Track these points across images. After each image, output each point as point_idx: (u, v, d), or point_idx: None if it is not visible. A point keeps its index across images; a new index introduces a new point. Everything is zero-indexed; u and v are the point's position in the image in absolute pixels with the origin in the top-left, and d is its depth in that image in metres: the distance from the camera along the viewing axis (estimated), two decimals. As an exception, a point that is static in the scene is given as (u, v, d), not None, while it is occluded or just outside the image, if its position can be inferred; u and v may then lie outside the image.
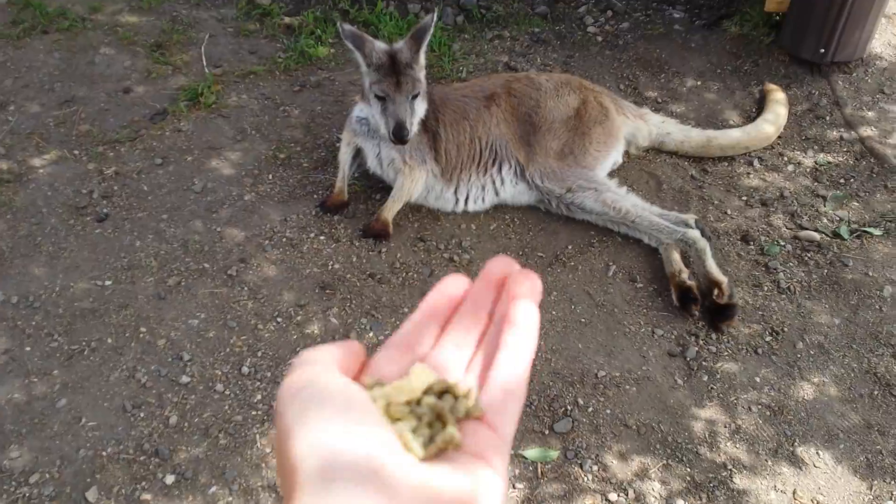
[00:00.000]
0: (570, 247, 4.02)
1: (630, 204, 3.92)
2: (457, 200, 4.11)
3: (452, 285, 0.70)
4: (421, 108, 3.78)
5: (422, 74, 3.76)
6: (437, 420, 0.56)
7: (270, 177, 4.41)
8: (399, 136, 3.60)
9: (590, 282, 3.81)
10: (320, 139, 4.70)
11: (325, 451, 0.48)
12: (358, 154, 4.18)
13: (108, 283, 3.77)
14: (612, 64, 5.41)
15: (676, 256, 3.77)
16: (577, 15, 5.90)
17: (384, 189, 4.30)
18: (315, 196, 4.30)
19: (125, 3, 5.78)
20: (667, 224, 3.85)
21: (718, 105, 5.05)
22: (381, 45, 3.69)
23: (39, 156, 4.53)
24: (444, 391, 0.59)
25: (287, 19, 5.72)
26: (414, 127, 3.72)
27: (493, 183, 4.11)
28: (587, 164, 4.07)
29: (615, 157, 4.30)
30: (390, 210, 3.99)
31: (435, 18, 3.66)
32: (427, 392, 0.59)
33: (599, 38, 5.63)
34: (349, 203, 4.21)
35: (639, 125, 4.43)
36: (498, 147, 4.07)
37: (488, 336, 0.66)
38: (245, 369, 3.34)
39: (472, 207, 4.15)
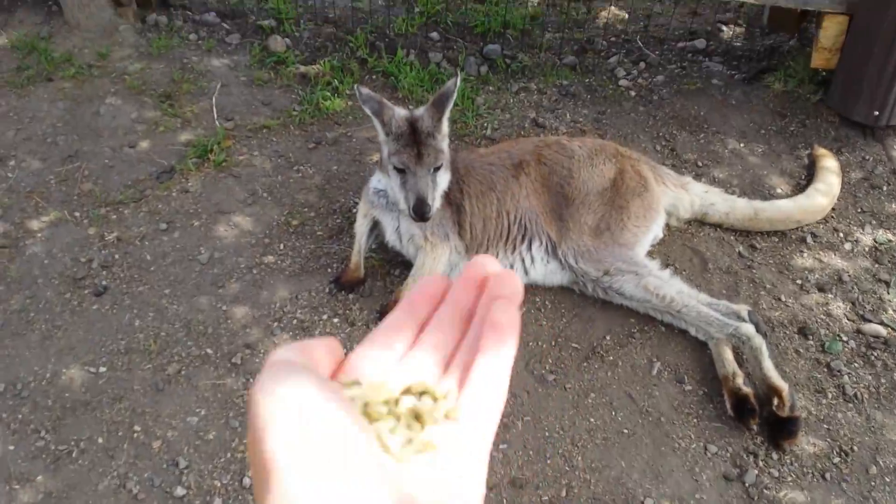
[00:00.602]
0: (608, 337, 3.70)
1: (675, 291, 3.60)
2: (481, 280, 3.81)
3: (433, 285, 0.69)
4: (444, 180, 3.50)
5: (445, 144, 3.49)
6: (416, 421, 0.56)
7: (282, 246, 4.14)
8: (420, 213, 3.32)
9: (632, 381, 3.49)
10: (336, 204, 4.43)
11: (299, 448, 0.48)
12: (375, 226, 3.90)
13: (102, 369, 3.50)
14: (647, 121, 5.12)
15: (729, 355, 3.44)
16: (608, 66, 5.63)
17: (403, 264, 4.02)
18: (329, 270, 4.02)
19: (134, 49, 5.58)
20: (717, 316, 3.53)
21: (764, 170, 4.74)
22: (400, 113, 3.42)
23: (38, 218, 4.29)
24: (423, 392, 0.58)
25: (302, 68, 5.49)
26: (436, 202, 3.44)
27: (523, 262, 3.82)
28: (625, 242, 3.77)
29: (655, 231, 4.00)
30: (410, 287, 3.69)
31: (458, 82, 3.38)
32: (405, 393, 0.58)
33: (632, 93, 5.36)
34: (365, 280, 3.93)
35: (680, 195, 4.13)
36: (527, 221, 3.78)
37: (468, 337, 0.65)
38: (247, 480, 3.04)
39: (498, 287, 3.83)
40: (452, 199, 3.71)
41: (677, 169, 4.74)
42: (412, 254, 3.80)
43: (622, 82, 5.44)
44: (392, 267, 4.07)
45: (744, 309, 3.62)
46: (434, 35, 5.86)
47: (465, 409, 0.58)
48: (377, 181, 3.71)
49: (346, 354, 0.64)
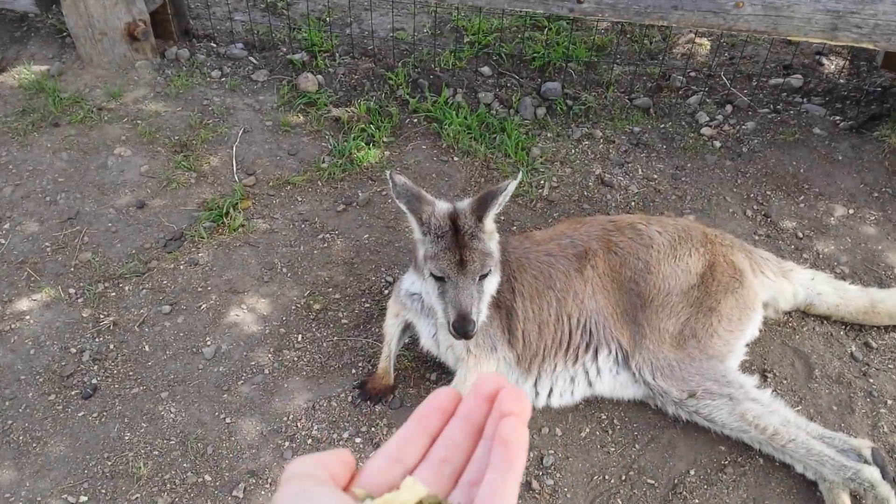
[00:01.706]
0: (692, 472, 3.07)
1: (779, 421, 2.96)
2: (537, 395, 3.23)
3: (444, 399, 0.72)
4: (492, 286, 2.93)
5: (494, 244, 2.91)
6: None
7: (300, 338, 3.62)
8: (463, 331, 2.75)
9: (722, 541, 2.86)
10: (364, 283, 3.89)
11: None
12: (408, 328, 3.34)
13: (83, 498, 3.04)
14: (735, 179, 4.45)
15: (847, 504, 2.78)
16: (687, 109, 4.95)
17: (441, 367, 3.45)
18: (353, 371, 3.47)
19: (150, 89, 5.15)
20: (831, 455, 2.87)
21: (879, 245, 4.03)
22: (442, 208, 2.86)
23: (29, 295, 3.87)
24: None
25: (335, 111, 4.98)
26: (482, 316, 2.87)
27: (587, 374, 3.21)
28: (716, 353, 3.13)
29: (751, 333, 3.35)
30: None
31: (516, 182, 2.80)
32: None
33: (717, 143, 4.68)
34: (395, 388, 3.38)
35: (782, 286, 3.47)
36: (593, 326, 3.18)
37: (478, 452, 0.69)
38: None
39: (556, 402, 3.26)
40: (502, 302, 3.13)
41: (772, 241, 4.07)
42: (451, 363, 3.24)
43: (705, 130, 4.76)
44: (427, 369, 3.51)
45: (866, 446, 2.95)
46: (485, 70, 5.28)
47: None
48: (410, 283, 3.15)
49: (357, 466, 0.69)
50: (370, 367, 3.49)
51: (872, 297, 3.59)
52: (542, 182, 4.48)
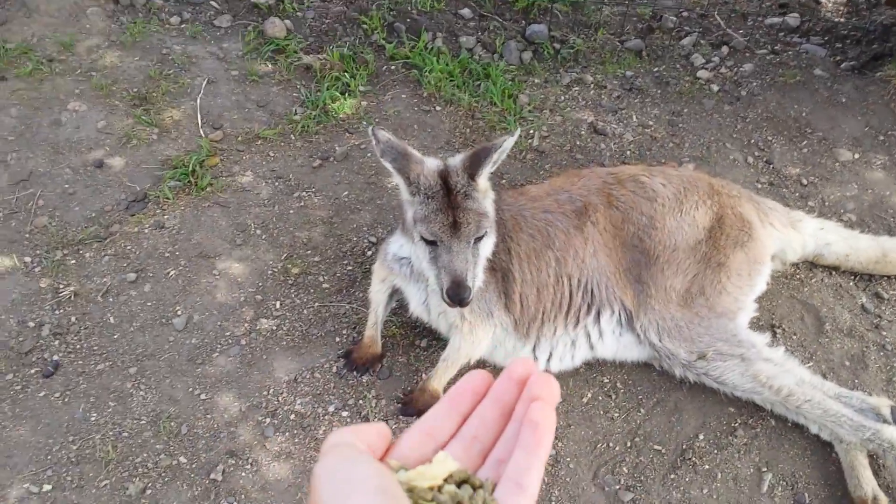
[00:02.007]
0: (701, 436, 2.90)
1: (794, 381, 2.79)
2: (535, 360, 3.02)
3: (477, 380, 0.77)
4: (487, 248, 2.68)
5: (489, 203, 2.65)
6: None
7: (278, 305, 3.36)
8: (458, 298, 2.52)
9: (735, 501, 2.74)
10: (345, 244, 3.63)
11: None
12: (395, 293, 3.10)
13: (47, 487, 2.79)
14: (735, 125, 4.21)
15: (866, 470, 2.67)
16: (682, 51, 4.69)
17: (432, 335, 3.22)
18: (337, 339, 3.24)
19: (104, 38, 4.75)
20: (849, 415, 2.72)
21: (887, 190, 3.84)
22: (431, 166, 2.60)
23: (-21, 265, 3.54)
24: (464, 481, 0.67)
25: (306, 58, 4.63)
26: (478, 281, 2.63)
27: (588, 337, 3.00)
28: (725, 311, 2.94)
29: (760, 288, 3.15)
30: (441, 378, 2.93)
31: (513, 140, 2.54)
32: (448, 480, 0.67)
33: (714, 87, 4.43)
34: (383, 356, 3.15)
35: (790, 237, 3.27)
36: (595, 287, 2.96)
37: (507, 431, 0.73)
38: None
39: (556, 367, 3.06)
40: (497, 264, 2.89)
41: (776, 189, 3.87)
42: (444, 330, 3.01)
43: (701, 73, 4.51)
44: (417, 336, 3.28)
45: (885, 405, 2.80)
46: (466, 12, 4.95)
47: (501, 502, 0.67)
48: (398, 247, 2.90)
49: (394, 438, 0.75)
50: (355, 335, 3.25)
51: (883, 246, 3.41)
52: (531, 132, 4.21)
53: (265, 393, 3.05)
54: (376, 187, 3.93)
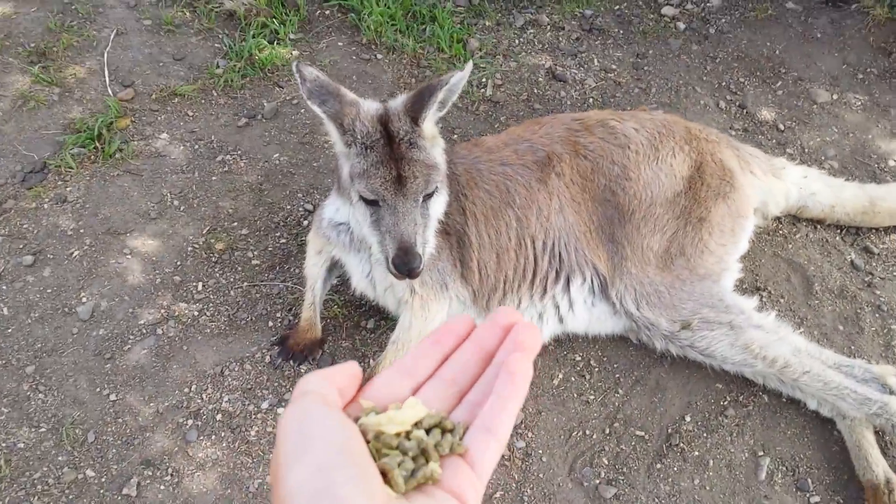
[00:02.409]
0: (688, 417, 2.56)
1: (789, 351, 2.46)
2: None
3: (460, 324, 0.78)
4: (439, 208, 2.27)
5: (439, 153, 2.22)
6: (422, 455, 0.66)
7: (200, 287, 2.90)
8: (405, 268, 2.10)
9: (731, 492, 2.41)
10: (277, 213, 3.17)
11: (312, 489, 0.58)
12: (335, 266, 2.67)
13: (-78, 516, 2.31)
14: (704, 66, 3.83)
15: (874, 449, 2.37)
16: (644, -13, 4.26)
17: (380, 314, 2.81)
18: (270, 325, 2.80)
19: (-7, -14, 4.10)
20: (851, 387, 2.41)
21: (868, 133, 3.52)
22: (369, 109, 2.16)
23: None
24: (436, 425, 0.68)
25: (228, 3, 4.08)
26: (429, 247, 2.21)
27: (557, 308, 2.62)
28: (708, 272, 2.59)
29: (744, 246, 2.80)
30: (390, 363, 2.48)
31: (464, 75, 2.10)
32: (417, 425, 0.68)
33: (681, 25, 4.04)
34: (324, 342, 2.72)
35: (773, 187, 2.93)
36: (563, 250, 2.57)
37: (485, 375, 0.73)
38: None
39: (521, 344, 2.64)
40: (451, 227, 2.48)
41: (751, 136, 3.52)
42: (392, 307, 2.59)
43: (666, 10, 4.10)
44: (362, 316, 2.86)
45: (891, 374, 2.49)
46: (406, -50, 4.42)
47: (469, 446, 0.67)
48: (334, 210, 2.46)
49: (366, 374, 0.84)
50: (291, 318, 2.82)
51: (871, 195, 3.09)
52: (483, 80, 3.76)
53: (186, 390, 2.61)
54: (311, 147, 3.46)
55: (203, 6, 4.09)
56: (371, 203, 2.16)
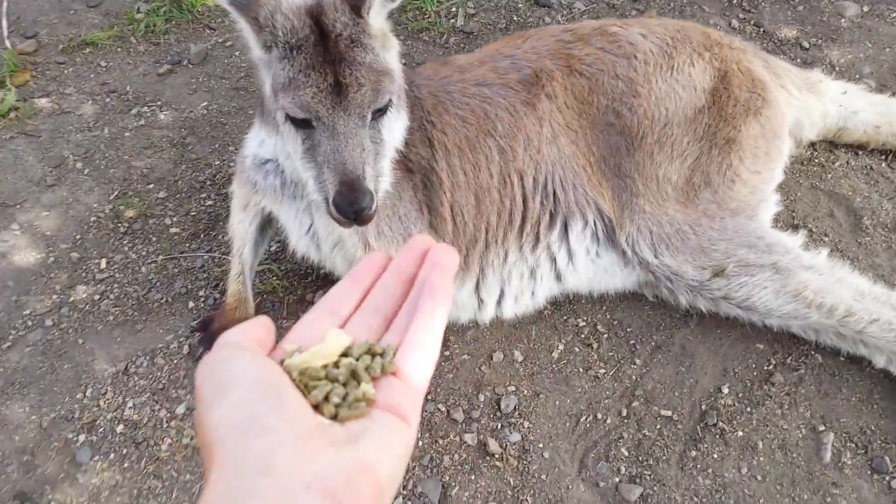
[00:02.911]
0: (725, 389, 1.98)
1: (850, 296, 1.90)
2: (481, 302, 2.04)
3: (378, 259, 0.76)
4: (395, 130, 1.65)
5: (391, 56, 1.61)
6: (353, 378, 0.63)
7: (104, 264, 2.28)
8: (353, 208, 1.49)
9: (789, 480, 1.81)
10: (204, 170, 2.56)
11: (235, 424, 0.55)
12: (269, 223, 2.05)
13: None
14: (709, -18, 3.23)
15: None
16: None
17: (330, 282, 2.19)
18: (191, 305, 2.19)
19: None
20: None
21: (911, 46, 2.92)
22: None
23: None
24: (364, 353, 0.65)
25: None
26: (383, 181, 1.60)
27: (553, 261, 2.02)
28: (742, 206, 2.02)
29: (780, 173, 2.21)
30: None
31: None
32: (347, 354, 0.65)
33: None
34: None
35: (809, 104, 2.35)
36: (558, 187, 1.98)
37: (409, 299, 0.72)
38: None
39: (510, 311, 2.08)
40: (414, 162, 1.88)
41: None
42: (342, 269, 1.97)
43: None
44: (307, 288, 2.25)
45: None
46: None
47: (402, 364, 0.65)
48: (258, 144, 1.86)
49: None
50: (218, 297, 2.20)
51: (924, 112, 2.50)
52: (453, 9, 3.15)
53: (79, 395, 1.99)
54: (247, 93, 2.84)
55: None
56: (302, 124, 1.55)
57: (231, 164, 2.56)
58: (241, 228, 2.03)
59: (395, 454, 0.58)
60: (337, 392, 0.61)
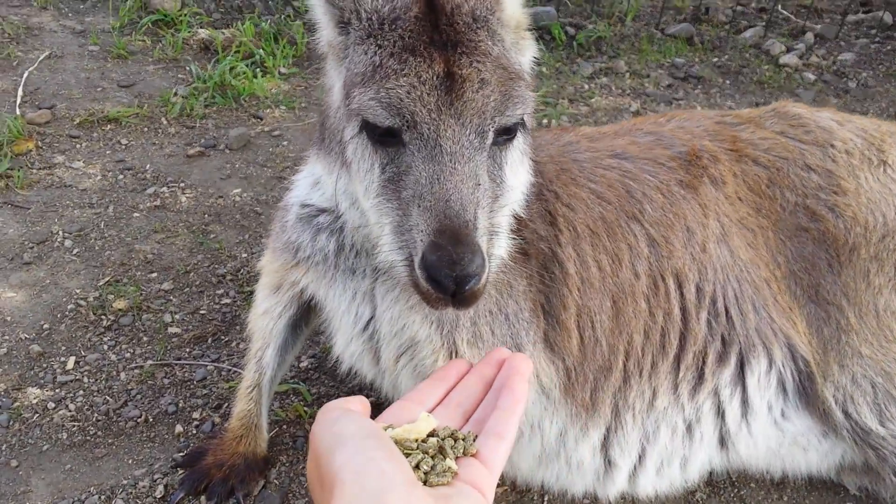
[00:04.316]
0: None
1: None
2: (608, 465, 1.44)
3: (460, 364, 0.96)
4: (522, 175, 1.16)
5: (526, 60, 1.16)
6: (440, 454, 0.77)
7: (70, 364, 1.77)
8: (454, 272, 1.00)
9: None
10: (226, 262, 2.10)
11: (355, 466, 0.69)
12: (304, 322, 1.52)
13: None
14: (851, 122, 2.85)
15: None
16: (745, 42, 3.44)
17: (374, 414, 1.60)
18: (178, 429, 1.64)
19: None
20: None
21: None
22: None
23: None
24: (448, 436, 0.80)
25: (204, 32, 3.23)
26: (500, 245, 1.08)
27: (721, 415, 1.44)
28: None
29: None
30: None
31: None
32: (431, 435, 0.80)
33: (810, 76, 3.16)
34: (269, 463, 1.51)
35: None
36: (731, 304, 1.46)
37: (487, 398, 0.89)
38: None
39: (649, 486, 1.49)
40: (530, 243, 1.36)
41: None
42: (405, 387, 1.39)
43: (787, 59, 3.24)
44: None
45: None
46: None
47: (482, 448, 0.80)
48: (310, 186, 1.39)
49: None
50: (218, 420, 1.62)
51: None
52: (544, 120, 2.81)
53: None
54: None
55: (170, 36, 3.25)
56: (384, 140, 1.09)
57: (258, 260, 2.09)
58: (265, 321, 1.51)
59: None
60: (427, 462, 0.76)
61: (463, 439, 0.79)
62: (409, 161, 1.07)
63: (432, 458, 0.76)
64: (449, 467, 0.75)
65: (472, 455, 0.78)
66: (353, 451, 0.70)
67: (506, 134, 1.12)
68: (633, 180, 1.52)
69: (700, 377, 1.45)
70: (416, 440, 0.78)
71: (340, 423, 0.74)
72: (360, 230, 1.26)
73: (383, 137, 1.09)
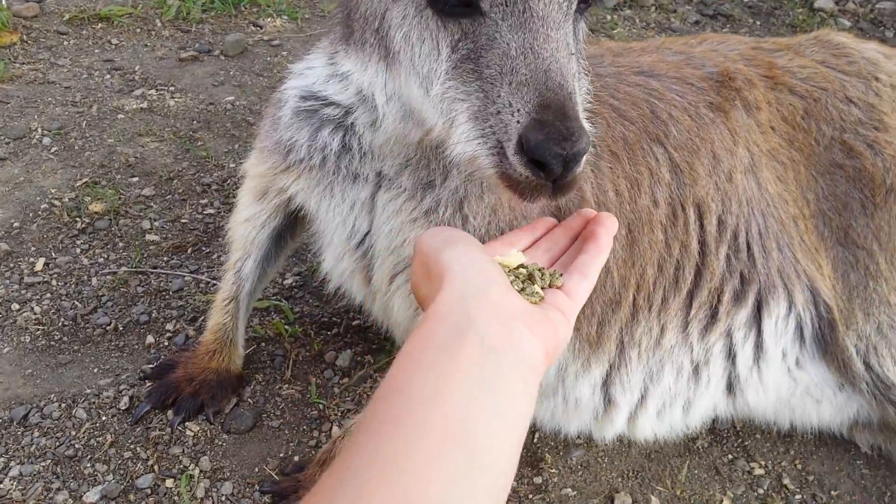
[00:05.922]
0: None
1: None
2: (608, 403, 1.34)
3: (547, 219, 1.05)
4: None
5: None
6: (529, 280, 0.87)
7: (38, 266, 1.66)
8: (565, 151, 0.85)
9: None
10: (212, 171, 1.99)
11: (464, 261, 0.82)
12: (290, 232, 1.40)
13: None
14: (886, 72, 2.70)
15: None
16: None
17: (365, 340, 1.52)
18: (149, 340, 1.53)
19: None
20: None
21: None
22: None
23: None
24: (536, 269, 0.88)
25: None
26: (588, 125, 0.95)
27: (731, 358, 1.33)
28: None
29: None
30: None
31: None
32: (520, 267, 0.89)
33: (846, 23, 2.99)
34: (244, 381, 1.41)
35: None
36: (754, 240, 1.33)
37: (573, 248, 0.98)
38: None
39: (648, 428, 1.40)
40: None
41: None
42: (398, 315, 1.28)
43: (821, 3, 3.07)
44: (330, 342, 1.56)
45: None
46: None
47: (567, 281, 0.89)
48: (323, 72, 1.21)
49: None
50: (193, 334, 1.53)
51: None
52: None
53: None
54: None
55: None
56: (458, 8, 0.94)
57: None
58: (247, 230, 1.39)
59: (563, 333, 0.82)
60: (517, 284, 0.84)
61: (550, 274, 0.88)
62: (490, 32, 0.91)
63: (522, 281, 0.85)
64: (536, 291, 0.84)
65: (558, 287, 0.87)
66: (461, 251, 0.83)
67: (584, 4, 0.99)
68: (659, 99, 1.39)
69: (713, 316, 1.34)
70: (508, 267, 0.87)
71: (449, 231, 0.90)
72: (380, 130, 1.12)
73: (455, 8, 0.94)
